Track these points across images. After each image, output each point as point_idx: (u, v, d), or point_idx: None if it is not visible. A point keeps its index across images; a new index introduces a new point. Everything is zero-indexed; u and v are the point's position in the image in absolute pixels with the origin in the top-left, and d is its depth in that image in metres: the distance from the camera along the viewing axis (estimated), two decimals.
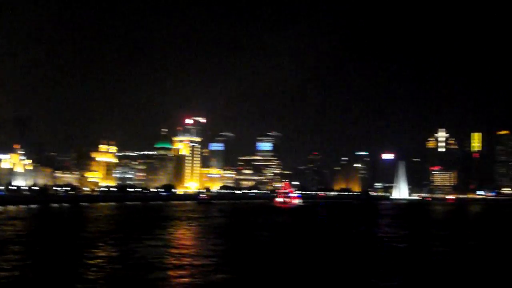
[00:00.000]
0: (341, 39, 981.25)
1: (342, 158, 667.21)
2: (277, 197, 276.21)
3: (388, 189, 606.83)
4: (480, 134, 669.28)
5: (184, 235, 78.42)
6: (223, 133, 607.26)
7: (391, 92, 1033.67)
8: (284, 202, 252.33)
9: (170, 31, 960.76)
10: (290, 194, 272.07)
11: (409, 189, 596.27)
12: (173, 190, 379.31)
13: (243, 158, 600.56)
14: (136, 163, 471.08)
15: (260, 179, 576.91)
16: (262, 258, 52.73)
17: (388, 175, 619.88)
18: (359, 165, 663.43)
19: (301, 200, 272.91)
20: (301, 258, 53.30)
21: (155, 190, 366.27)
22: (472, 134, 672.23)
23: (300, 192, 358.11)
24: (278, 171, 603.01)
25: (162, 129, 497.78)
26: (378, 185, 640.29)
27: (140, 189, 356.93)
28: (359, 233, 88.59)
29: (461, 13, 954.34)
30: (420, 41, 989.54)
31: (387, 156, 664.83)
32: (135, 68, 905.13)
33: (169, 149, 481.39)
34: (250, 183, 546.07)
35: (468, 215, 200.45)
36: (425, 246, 68.86)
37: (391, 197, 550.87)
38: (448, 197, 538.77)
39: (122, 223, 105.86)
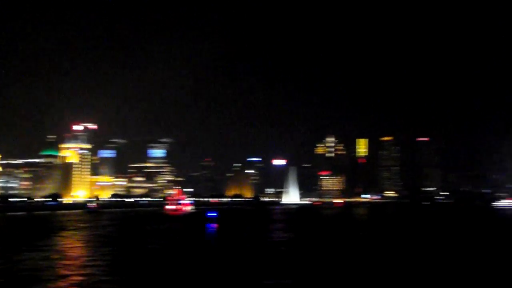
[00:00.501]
0: (231, 44, 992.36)
1: (235, 164, 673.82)
2: (169, 205, 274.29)
3: (279, 194, 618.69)
4: (366, 140, 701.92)
5: (71, 245, 76.53)
6: (114, 140, 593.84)
7: (283, 99, 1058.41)
8: (175, 209, 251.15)
9: (57, 35, 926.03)
10: (182, 201, 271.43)
11: (300, 194, 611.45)
12: (60, 199, 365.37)
13: (135, 165, 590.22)
14: (21, 171, 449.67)
15: (152, 186, 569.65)
16: (149, 266, 52.88)
17: (279, 181, 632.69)
18: (252, 171, 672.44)
19: (193, 207, 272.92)
20: (190, 263, 54.02)
21: (41, 199, 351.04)
22: (358, 140, 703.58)
23: (193, 198, 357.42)
24: (171, 178, 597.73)
25: (49, 136, 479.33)
26: (270, 190, 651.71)
27: (25, 199, 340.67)
28: (248, 238, 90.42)
29: (341, 22, 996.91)
30: (307, 47, 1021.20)
31: (279, 162, 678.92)
32: (20, 72, 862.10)
33: (56, 156, 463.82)
34: (142, 191, 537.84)
35: (354, 217, 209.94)
36: (312, 248, 71.77)
37: (282, 202, 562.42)
38: (336, 201, 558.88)
39: (5, 234, 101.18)
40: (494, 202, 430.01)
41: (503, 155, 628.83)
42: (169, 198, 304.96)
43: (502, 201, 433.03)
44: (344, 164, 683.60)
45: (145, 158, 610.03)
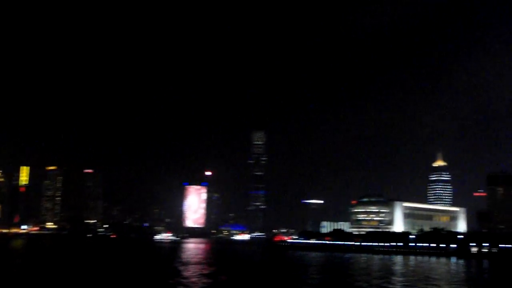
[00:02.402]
0: None
1: None
2: None
3: None
4: (27, 168, 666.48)
5: None
6: None
7: None
8: None
9: None
10: None
11: None
12: None
13: None
14: None
15: None
16: None
17: None
18: None
19: None
20: None
21: None
22: (21, 168, 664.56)
23: None
24: None
25: None
26: None
27: None
28: None
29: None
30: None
31: None
32: None
33: None
34: None
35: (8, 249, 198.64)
36: None
37: None
38: None
39: None
40: (155, 235, 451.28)
41: (162, 191, 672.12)
42: None
43: (163, 234, 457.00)
44: (3, 192, 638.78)
45: None
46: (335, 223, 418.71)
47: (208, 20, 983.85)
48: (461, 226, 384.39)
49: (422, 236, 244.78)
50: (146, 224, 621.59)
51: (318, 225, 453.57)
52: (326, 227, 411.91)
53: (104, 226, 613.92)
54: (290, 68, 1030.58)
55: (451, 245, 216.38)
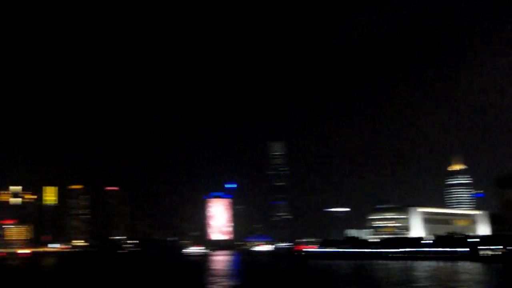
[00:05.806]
0: None
1: None
2: None
3: None
4: (55, 188, 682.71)
5: None
6: None
7: None
8: None
9: None
10: None
11: None
12: None
13: None
14: None
15: None
16: None
17: None
18: None
19: None
20: None
21: None
22: (45, 188, 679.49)
23: None
24: None
25: None
26: None
27: None
28: None
29: None
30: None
31: None
32: None
33: None
34: None
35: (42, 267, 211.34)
36: None
37: None
38: (21, 251, 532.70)
39: None
40: (182, 249, 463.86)
41: (186, 204, 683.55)
42: None
43: (191, 248, 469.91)
44: (31, 212, 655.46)
45: None
46: (360, 231, 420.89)
47: (214, 29, 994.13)
48: (483, 229, 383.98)
49: (435, 240, 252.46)
50: (175, 238, 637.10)
51: (343, 233, 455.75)
52: (351, 234, 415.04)
53: (132, 242, 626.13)
54: (300, 75, 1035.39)
55: (463, 249, 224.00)
